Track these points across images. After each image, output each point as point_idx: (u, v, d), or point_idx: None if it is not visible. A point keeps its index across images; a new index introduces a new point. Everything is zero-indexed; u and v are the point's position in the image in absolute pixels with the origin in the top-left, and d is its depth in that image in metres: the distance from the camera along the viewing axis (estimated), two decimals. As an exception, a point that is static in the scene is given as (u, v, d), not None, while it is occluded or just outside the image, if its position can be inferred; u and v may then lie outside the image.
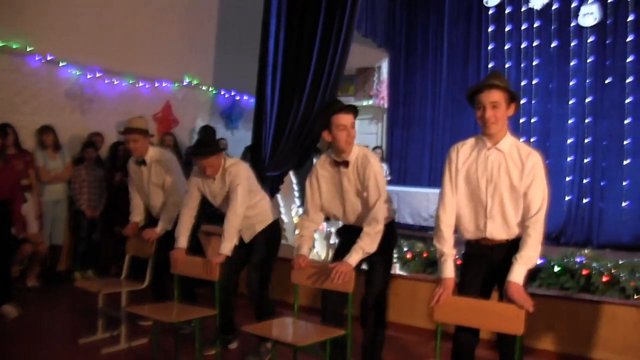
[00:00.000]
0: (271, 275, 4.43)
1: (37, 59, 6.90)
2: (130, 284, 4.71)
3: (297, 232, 3.90)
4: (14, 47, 6.69)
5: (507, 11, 8.89)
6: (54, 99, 7.16)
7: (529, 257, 2.95)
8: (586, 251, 5.56)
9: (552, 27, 8.52)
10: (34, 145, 6.75)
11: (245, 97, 9.52)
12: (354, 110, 3.66)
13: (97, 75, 7.54)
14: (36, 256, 6.31)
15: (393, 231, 3.88)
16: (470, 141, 3.20)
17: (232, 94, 9.41)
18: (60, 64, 7.15)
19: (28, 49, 6.81)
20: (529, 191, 3.00)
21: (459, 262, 3.24)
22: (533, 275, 4.88)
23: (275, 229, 4.52)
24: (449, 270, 3.11)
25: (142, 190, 5.01)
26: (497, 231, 3.10)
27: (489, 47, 9.05)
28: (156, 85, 8.28)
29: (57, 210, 6.82)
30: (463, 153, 3.18)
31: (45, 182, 6.67)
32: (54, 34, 7.05)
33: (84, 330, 4.83)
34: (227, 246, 4.07)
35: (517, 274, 2.93)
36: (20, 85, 6.82)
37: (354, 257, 3.48)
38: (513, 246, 3.04)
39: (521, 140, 3.24)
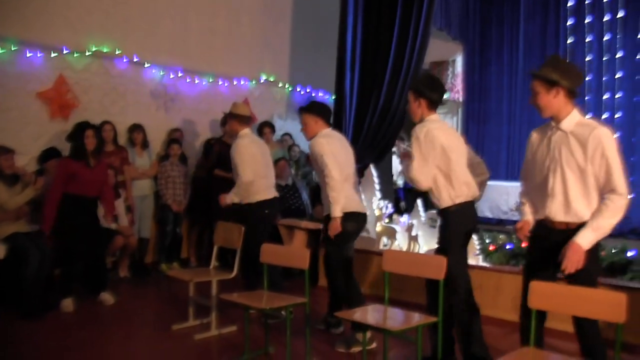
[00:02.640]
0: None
1: (124, 61, 7.18)
2: (219, 274, 4.89)
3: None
4: (105, 50, 6.99)
5: (587, 2, 8.57)
6: (139, 99, 7.43)
7: (599, 224, 2.96)
8: None
9: (641, 17, 7.99)
10: (123, 143, 7.04)
11: (320, 94, 9.60)
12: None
13: (179, 75, 7.80)
14: (127, 248, 6.62)
15: (461, 216, 3.77)
16: (544, 125, 3.32)
17: (308, 90, 9.52)
18: (145, 65, 7.43)
19: (117, 52, 7.11)
20: (602, 169, 2.98)
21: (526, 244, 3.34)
22: (624, 268, 4.76)
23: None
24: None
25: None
26: (557, 210, 3.12)
27: (568, 41, 8.74)
28: (234, 83, 8.48)
29: (144, 206, 7.08)
30: (535, 136, 3.34)
31: (133, 178, 6.95)
32: (139, 36, 7.34)
33: (175, 318, 5.06)
34: (337, 208, 4.43)
35: (583, 237, 2.96)
36: (109, 86, 7.10)
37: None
38: (574, 233, 3.02)
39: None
